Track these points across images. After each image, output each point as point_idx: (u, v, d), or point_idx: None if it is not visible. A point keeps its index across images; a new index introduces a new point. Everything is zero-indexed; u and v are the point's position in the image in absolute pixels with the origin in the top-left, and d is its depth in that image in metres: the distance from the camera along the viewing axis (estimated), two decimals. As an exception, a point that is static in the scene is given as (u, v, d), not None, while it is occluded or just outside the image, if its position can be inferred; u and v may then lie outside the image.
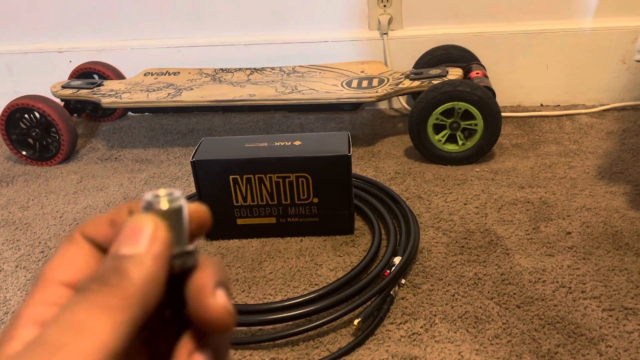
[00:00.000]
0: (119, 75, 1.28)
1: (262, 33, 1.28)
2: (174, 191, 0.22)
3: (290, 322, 0.65)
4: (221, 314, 0.22)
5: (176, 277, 0.22)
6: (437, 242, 0.78)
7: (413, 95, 1.21)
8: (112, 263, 0.21)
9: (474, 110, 0.94)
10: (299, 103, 1.03)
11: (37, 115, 1.09)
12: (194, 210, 0.23)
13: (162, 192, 0.22)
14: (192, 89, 1.11)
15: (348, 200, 0.79)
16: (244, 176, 0.77)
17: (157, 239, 0.21)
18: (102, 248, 0.23)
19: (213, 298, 0.22)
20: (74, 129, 1.11)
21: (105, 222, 0.23)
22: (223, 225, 0.81)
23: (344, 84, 1.08)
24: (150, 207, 0.22)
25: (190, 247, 0.23)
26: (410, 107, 1.19)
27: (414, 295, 0.69)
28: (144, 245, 0.21)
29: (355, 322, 0.63)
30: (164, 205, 0.22)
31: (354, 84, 1.08)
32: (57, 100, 1.13)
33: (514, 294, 0.68)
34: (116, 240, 0.21)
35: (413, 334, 0.63)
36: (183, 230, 0.22)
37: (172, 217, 0.22)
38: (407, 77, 1.07)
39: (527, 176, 0.94)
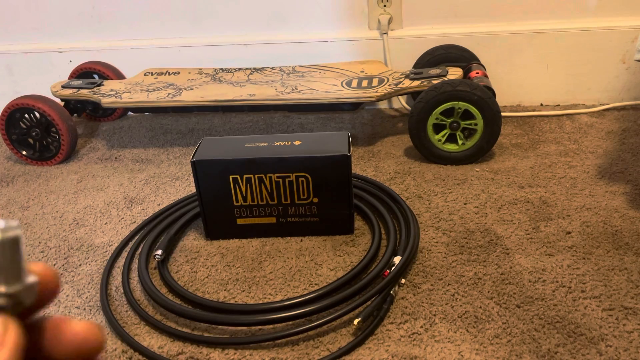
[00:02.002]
0: (119, 75, 1.28)
1: (262, 33, 1.28)
2: (8, 221, 0.21)
3: (290, 322, 0.65)
4: (90, 329, 0.21)
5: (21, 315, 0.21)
6: (437, 242, 0.78)
7: (413, 95, 1.21)
8: None
9: (473, 110, 0.94)
10: (299, 103, 1.03)
11: (37, 115, 1.09)
12: (42, 273, 0.22)
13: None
14: (192, 89, 1.11)
15: (348, 200, 0.79)
16: (244, 176, 0.77)
17: (4, 345, 0.20)
18: None
19: (73, 322, 0.22)
20: (74, 129, 1.11)
21: None
22: (223, 225, 0.82)
23: (344, 83, 1.08)
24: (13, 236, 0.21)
25: (31, 279, 0.21)
26: (410, 107, 1.20)
27: (414, 295, 0.69)
28: None
29: (355, 321, 0.63)
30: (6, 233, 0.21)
31: (354, 83, 1.08)
32: (57, 100, 1.13)
33: (514, 293, 0.68)
34: None
35: (413, 333, 0.63)
36: (21, 262, 0.21)
37: (7, 248, 0.21)
38: (407, 77, 1.07)
39: (527, 176, 0.94)
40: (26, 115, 1.09)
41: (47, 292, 0.22)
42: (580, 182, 0.91)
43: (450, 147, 0.98)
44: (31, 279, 0.21)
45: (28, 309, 0.22)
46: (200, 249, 0.81)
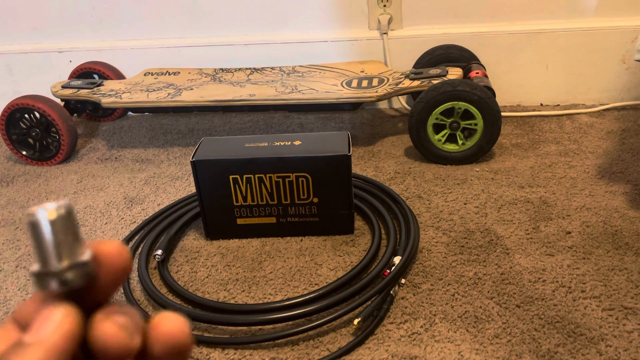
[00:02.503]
0: (119, 75, 1.28)
1: (262, 33, 1.28)
2: (59, 201, 0.22)
3: (290, 322, 0.65)
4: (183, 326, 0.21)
5: (73, 294, 0.21)
6: (437, 242, 0.78)
7: (413, 95, 1.21)
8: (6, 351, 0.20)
9: (473, 110, 0.94)
10: (299, 103, 1.03)
11: (37, 115, 1.09)
12: (109, 253, 0.22)
13: (47, 204, 0.21)
14: (192, 89, 1.11)
15: (348, 200, 0.79)
16: (244, 176, 0.77)
17: (59, 329, 0.20)
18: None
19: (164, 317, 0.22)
20: (74, 129, 1.11)
21: (34, 299, 0.23)
22: (223, 225, 0.82)
23: (343, 83, 1.08)
24: (34, 220, 0.21)
25: (85, 257, 0.22)
26: (410, 107, 1.19)
27: (414, 295, 0.69)
28: (43, 334, 0.20)
29: (355, 321, 0.63)
30: (51, 214, 0.21)
31: (354, 83, 1.08)
32: (57, 100, 1.13)
33: (514, 293, 0.68)
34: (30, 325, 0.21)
35: (413, 333, 0.63)
36: (76, 238, 0.21)
37: (61, 226, 0.21)
38: (407, 76, 1.07)
39: (527, 176, 0.94)
40: (26, 115, 1.09)
41: (113, 271, 0.22)
42: (580, 182, 0.91)
43: (450, 147, 0.98)
44: (85, 257, 0.22)
45: (93, 294, 0.22)
46: (200, 249, 0.81)
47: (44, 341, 0.20)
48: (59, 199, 0.22)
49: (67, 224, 0.21)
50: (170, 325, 0.22)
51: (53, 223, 0.21)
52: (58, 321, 0.20)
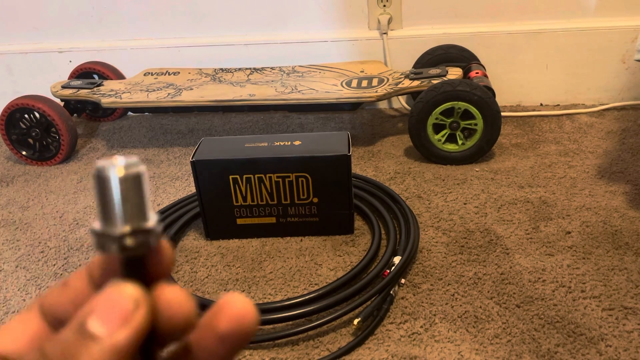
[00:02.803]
0: (119, 75, 1.28)
1: (262, 33, 1.28)
2: (131, 158, 0.20)
3: (290, 322, 0.65)
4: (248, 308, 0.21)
5: (134, 260, 0.20)
6: (436, 242, 0.78)
7: (413, 95, 1.21)
8: (67, 342, 0.18)
9: (473, 110, 0.94)
10: (298, 103, 1.03)
11: (37, 115, 1.09)
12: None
13: (117, 158, 0.20)
14: (192, 89, 1.11)
15: (348, 200, 0.79)
16: (244, 176, 0.77)
17: (130, 322, 0.19)
18: (53, 320, 0.22)
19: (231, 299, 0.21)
20: (74, 129, 1.11)
21: (59, 285, 0.22)
22: (223, 225, 0.82)
23: (343, 83, 1.08)
24: (102, 174, 0.19)
25: (151, 223, 0.20)
26: (410, 107, 1.19)
27: (414, 295, 0.69)
28: (112, 327, 0.19)
29: (355, 321, 0.63)
30: (120, 172, 0.19)
31: (354, 83, 1.08)
32: (57, 100, 1.13)
33: (514, 293, 0.68)
34: (89, 305, 0.19)
35: (413, 333, 0.63)
36: (143, 201, 0.20)
37: (130, 185, 0.20)
38: (406, 76, 1.07)
39: (527, 176, 0.94)
40: (26, 116, 1.09)
41: (172, 324, 0.21)
42: (580, 182, 0.91)
43: (450, 147, 0.99)
44: (151, 223, 0.20)
45: (149, 276, 0.21)
46: (200, 249, 0.81)
47: (114, 336, 0.19)
48: (130, 156, 0.20)
49: (137, 184, 0.20)
50: (240, 305, 0.21)
51: (123, 181, 0.19)
52: (130, 311, 0.19)
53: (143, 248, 0.20)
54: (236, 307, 0.21)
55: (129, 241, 0.20)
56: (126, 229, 0.20)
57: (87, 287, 0.22)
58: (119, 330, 0.19)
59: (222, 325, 0.21)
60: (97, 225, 0.20)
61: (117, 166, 0.19)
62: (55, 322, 0.22)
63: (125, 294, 0.19)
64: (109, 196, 0.20)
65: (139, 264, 0.20)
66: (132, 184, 0.20)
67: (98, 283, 0.21)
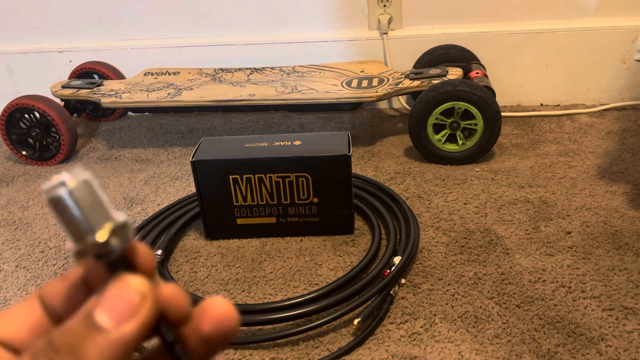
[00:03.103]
0: (119, 75, 1.28)
1: (262, 33, 1.28)
2: (72, 170, 0.20)
3: (290, 322, 0.65)
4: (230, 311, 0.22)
5: (117, 260, 0.20)
6: (437, 242, 0.78)
7: (413, 95, 1.21)
8: (75, 332, 0.19)
9: (473, 110, 0.94)
10: (299, 103, 1.03)
11: (37, 115, 1.09)
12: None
13: (60, 176, 0.20)
14: (192, 89, 1.11)
15: (348, 200, 0.79)
16: (244, 176, 0.77)
17: (137, 315, 0.19)
18: (52, 311, 0.22)
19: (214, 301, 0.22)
20: (74, 129, 1.11)
21: (60, 277, 0.22)
22: (223, 225, 0.82)
23: (343, 83, 1.08)
24: (53, 196, 0.19)
25: (120, 218, 0.20)
26: (410, 107, 1.19)
27: (414, 295, 0.69)
28: (119, 319, 0.19)
29: (355, 321, 0.63)
30: (70, 184, 0.19)
31: (354, 83, 1.08)
32: (57, 100, 1.13)
33: (514, 293, 0.68)
34: (97, 297, 0.20)
35: (413, 333, 0.63)
36: (102, 203, 0.20)
37: (83, 193, 0.20)
38: (407, 76, 1.07)
39: (527, 176, 0.94)
40: (26, 115, 1.09)
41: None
42: (580, 182, 0.91)
43: (450, 147, 0.98)
44: (118, 218, 0.20)
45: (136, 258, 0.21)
46: (200, 249, 0.81)
47: (121, 329, 0.19)
48: (71, 168, 0.20)
49: (89, 190, 0.20)
50: (222, 308, 0.22)
51: (75, 192, 0.20)
52: (136, 304, 0.19)
53: (121, 244, 0.20)
54: (218, 310, 0.22)
55: (105, 243, 0.20)
56: (100, 234, 0.20)
57: (82, 284, 0.22)
58: (125, 322, 0.19)
59: (205, 327, 0.22)
60: (70, 245, 0.20)
61: (63, 182, 0.20)
62: (53, 312, 0.22)
63: (132, 287, 0.20)
64: (70, 212, 0.20)
65: (123, 261, 0.21)
66: (85, 191, 0.20)
67: (93, 284, 0.22)
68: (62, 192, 0.19)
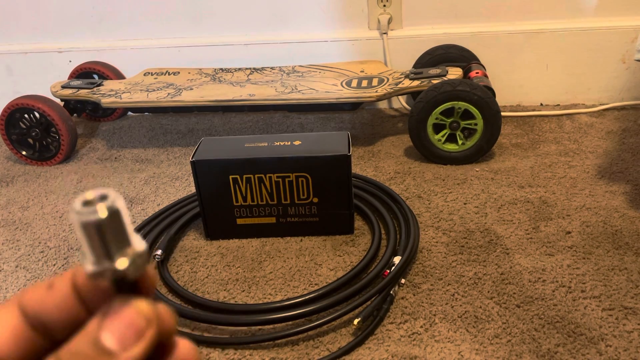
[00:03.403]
0: (119, 75, 1.28)
1: (262, 33, 1.28)
2: (105, 192, 0.20)
3: (290, 322, 0.65)
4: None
5: (127, 282, 0.21)
6: (437, 242, 0.78)
7: (413, 94, 1.21)
8: (84, 355, 0.19)
9: (473, 109, 0.94)
10: (298, 103, 1.03)
11: (37, 115, 1.09)
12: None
13: (90, 195, 0.20)
14: (192, 89, 1.11)
15: (348, 200, 0.79)
16: (244, 176, 0.77)
17: (143, 338, 0.20)
18: (34, 320, 0.22)
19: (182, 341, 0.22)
20: (74, 129, 1.11)
21: (43, 286, 0.22)
22: (223, 225, 0.82)
23: (343, 83, 1.08)
24: (85, 220, 0.19)
25: (139, 247, 0.21)
26: (410, 106, 1.20)
27: (414, 295, 0.69)
28: (127, 343, 0.20)
29: (355, 321, 0.63)
30: (102, 213, 0.19)
31: (354, 83, 1.08)
32: (57, 100, 1.13)
33: (514, 293, 0.68)
34: (102, 317, 0.20)
35: (413, 333, 0.63)
36: (126, 230, 0.20)
37: (112, 221, 0.20)
38: (406, 76, 1.07)
39: (527, 176, 0.94)
40: (26, 115, 1.09)
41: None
42: (580, 182, 0.91)
43: (450, 147, 0.98)
44: (137, 247, 0.21)
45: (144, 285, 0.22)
46: (200, 249, 0.81)
47: (129, 353, 0.20)
48: (100, 188, 0.20)
49: (118, 218, 0.20)
50: (185, 352, 0.23)
51: (106, 220, 0.20)
52: (143, 328, 0.20)
53: (138, 272, 0.21)
54: (181, 354, 0.23)
55: (125, 270, 0.20)
56: (121, 261, 0.20)
57: (72, 296, 0.22)
58: (133, 346, 0.20)
59: None
60: (89, 267, 0.20)
61: (96, 208, 0.20)
62: (37, 323, 0.22)
63: (140, 312, 0.20)
64: (96, 238, 0.20)
65: (131, 284, 0.21)
66: (115, 219, 0.20)
67: (85, 297, 0.22)
68: (94, 220, 0.20)
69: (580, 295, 0.67)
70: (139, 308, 0.20)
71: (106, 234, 0.20)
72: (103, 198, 0.20)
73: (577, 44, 1.17)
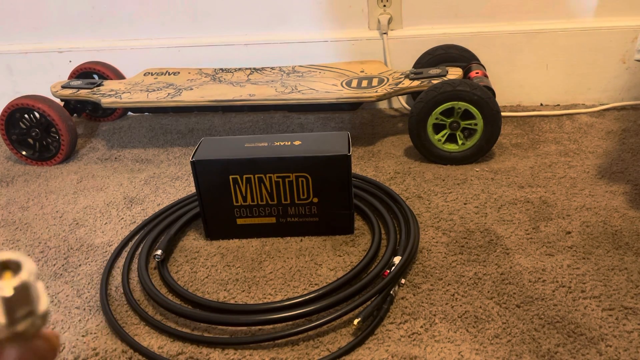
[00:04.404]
0: (119, 75, 1.28)
1: (262, 33, 1.28)
2: (15, 259, 0.22)
3: (290, 322, 0.65)
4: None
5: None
6: (437, 242, 0.78)
7: (413, 95, 1.21)
8: None
9: (473, 109, 0.94)
10: (298, 103, 1.03)
11: (37, 115, 1.09)
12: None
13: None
14: (192, 89, 1.11)
15: (348, 200, 0.79)
16: (244, 176, 0.77)
17: None
18: None
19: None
20: (74, 129, 1.11)
21: None
22: (223, 225, 0.82)
23: (343, 83, 1.08)
24: None
25: (41, 308, 0.23)
26: (410, 106, 1.20)
27: (414, 295, 0.69)
28: None
29: (355, 321, 0.63)
30: (8, 291, 0.22)
31: (354, 83, 1.08)
32: (57, 100, 1.13)
33: (514, 293, 0.68)
34: None
35: (413, 333, 0.63)
36: (30, 299, 0.22)
37: (16, 296, 0.22)
38: (406, 76, 1.07)
39: (527, 176, 0.94)
40: (26, 116, 1.09)
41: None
42: (580, 182, 0.91)
43: (450, 147, 0.99)
44: (40, 308, 0.23)
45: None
46: (200, 249, 0.81)
47: None
48: (11, 254, 0.22)
49: (25, 291, 0.22)
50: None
51: (9, 298, 0.21)
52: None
53: (35, 329, 0.23)
54: None
55: (25, 329, 0.22)
56: (21, 323, 0.22)
57: None
58: None
59: None
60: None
61: (2, 285, 0.22)
62: None
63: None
64: (1, 307, 0.22)
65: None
66: (20, 293, 0.22)
67: None
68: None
69: (580, 295, 0.67)
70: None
71: (10, 307, 0.22)
72: (14, 268, 0.22)
73: (577, 44, 1.17)
